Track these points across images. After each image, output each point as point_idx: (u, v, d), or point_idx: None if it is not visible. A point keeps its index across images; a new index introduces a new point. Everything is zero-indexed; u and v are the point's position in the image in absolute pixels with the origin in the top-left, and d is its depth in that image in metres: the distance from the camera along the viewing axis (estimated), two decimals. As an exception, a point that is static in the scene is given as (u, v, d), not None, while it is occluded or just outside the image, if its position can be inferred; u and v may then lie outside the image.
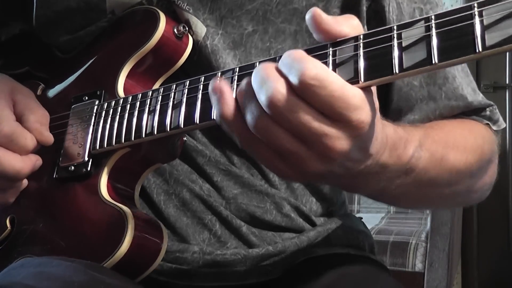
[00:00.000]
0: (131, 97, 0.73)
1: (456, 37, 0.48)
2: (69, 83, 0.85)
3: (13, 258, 0.74)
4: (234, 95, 0.54)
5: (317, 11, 0.53)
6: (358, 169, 0.56)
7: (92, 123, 0.76)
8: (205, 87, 0.65)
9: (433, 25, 0.50)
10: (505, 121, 3.21)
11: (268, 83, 0.50)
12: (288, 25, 0.77)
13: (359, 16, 0.75)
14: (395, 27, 0.52)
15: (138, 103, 0.72)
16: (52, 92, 0.87)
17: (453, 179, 0.72)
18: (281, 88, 0.50)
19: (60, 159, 0.78)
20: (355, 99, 0.50)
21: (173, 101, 0.67)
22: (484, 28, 0.47)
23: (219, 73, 0.64)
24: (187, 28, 0.78)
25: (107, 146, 0.73)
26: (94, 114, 0.76)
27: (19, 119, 0.78)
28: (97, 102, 0.77)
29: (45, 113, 0.80)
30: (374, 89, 0.54)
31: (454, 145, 0.71)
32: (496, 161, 0.81)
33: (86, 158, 0.75)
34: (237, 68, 0.62)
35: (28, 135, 0.76)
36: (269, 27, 0.77)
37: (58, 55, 0.89)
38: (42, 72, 0.90)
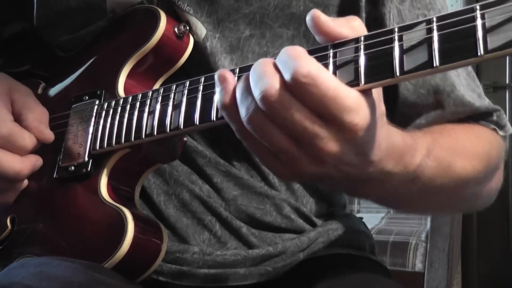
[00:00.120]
0: (131, 97, 0.73)
1: (457, 39, 0.48)
2: (70, 82, 0.85)
3: (13, 258, 0.74)
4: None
5: (316, 12, 0.52)
6: (358, 174, 0.55)
7: (92, 123, 0.76)
8: (205, 87, 0.65)
9: (435, 27, 0.49)
10: (505, 121, 3.17)
11: (264, 78, 0.50)
12: (286, 30, 0.77)
13: None
14: (396, 29, 0.51)
15: (138, 103, 0.71)
16: (52, 91, 0.87)
17: (460, 186, 0.71)
18: (275, 84, 0.49)
19: (60, 159, 0.78)
20: (349, 100, 0.49)
21: (173, 102, 0.67)
22: (486, 31, 0.46)
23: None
24: (188, 28, 0.77)
25: (107, 146, 0.73)
26: (94, 114, 0.76)
27: (18, 118, 0.77)
28: (97, 102, 0.77)
29: (43, 110, 0.80)
30: (379, 94, 0.54)
31: (461, 152, 0.70)
32: (502, 167, 0.80)
33: (86, 159, 0.75)
34: (237, 69, 0.62)
35: (26, 134, 0.76)
36: (267, 32, 0.77)
37: (59, 54, 0.89)
38: (43, 70, 0.90)
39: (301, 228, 0.84)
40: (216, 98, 0.55)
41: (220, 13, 0.77)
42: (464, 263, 2.95)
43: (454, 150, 0.69)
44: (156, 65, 0.78)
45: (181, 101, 0.66)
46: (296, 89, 0.49)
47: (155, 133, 0.68)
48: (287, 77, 0.49)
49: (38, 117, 0.78)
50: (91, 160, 0.74)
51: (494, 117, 0.80)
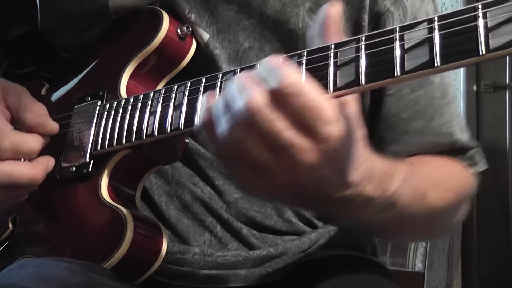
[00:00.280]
0: (132, 98, 0.73)
1: (459, 39, 0.47)
2: (73, 84, 0.85)
3: (14, 258, 0.74)
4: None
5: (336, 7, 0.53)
6: (336, 195, 0.56)
7: (94, 124, 0.76)
8: (206, 88, 0.65)
9: (436, 26, 0.49)
10: (505, 121, 3.20)
11: (246, 90, 0.50)
12: (283, 46, 0.77)
13: None
14: (397, 29, 0.51)
15: (139, 104, 0.71)
16: (56, 92, 0.87)
17: (430, 216, 0.72)
18: (257, 95, 0.49)
19: (62, 159, 0.78)
20: (327, 112, 0.49)
21: (174, 103, 0.67)
22: (488, 30, 0.46)
23: (220, 74, 0.64)
24: (190, 29, 0.77)
25: (108, 147, 0.73)
26: (96, 115, 0.76)
27: (17, 121, 0.77)
28: (99, 103, 0.77)
29: (40, 105, 0.78)
30: (358, 116, 0.54)
31: (435, 184, 0.72)
32: (468, 201, 0.81)
33: (88, 159, 0.75)
34: (238, 69, 0.62)
35: (29, 138, 0.75)
36: (265, 45, 0.77)
37: (62, 55, 0.89)
38: (47, 72, 0.90)
39: (301, 231, 0.84)
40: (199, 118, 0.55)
41: (220, 24, 0.78)
42: (464, 263, 2.95)
43: (429, 181, 0.70)
44: (158, 66, 0.78)
45: (182, 102, 0.66)
46: (280, 98, 0.49)
47: (156, 134, 0.68)
48: (272, 86, 0.49)
49: (37, 113, 0.77)
50: (92, 161, 0.75)
51: (468, 155, 0.81)
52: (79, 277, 0.61)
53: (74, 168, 0.76)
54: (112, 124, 0.73)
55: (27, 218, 0.79)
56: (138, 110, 0.71)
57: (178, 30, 0.77)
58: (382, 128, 0.78)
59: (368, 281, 0.80)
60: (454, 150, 0.80)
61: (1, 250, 0.78)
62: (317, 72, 0.54)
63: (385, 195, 0.61)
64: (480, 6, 0.47)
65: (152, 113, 0.69)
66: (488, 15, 0.47)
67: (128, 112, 0.72)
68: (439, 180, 0.73)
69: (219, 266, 0.78)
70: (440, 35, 0.48)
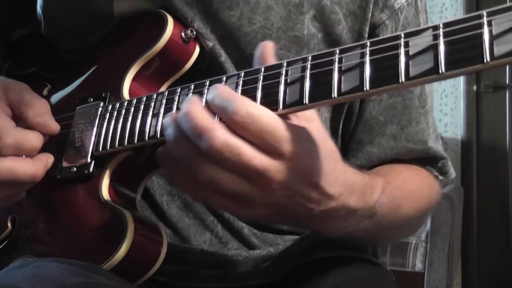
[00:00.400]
0: (135, 99, 0.73)
1: (464, 46, 0.48)
2: (75, 85, 0.85)
3: (12, 258, 0.74)
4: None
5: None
6: (319, 209, 0.58)
7: (96, 125, 0.76)
8: None
9: (441, 33, 0.49)
10: (505, 121, 3.20)
11: (206, 133, 0.53)
12: (287, 52, 0.77)
13: None
14: (402, 35, 0.51)
15: (142, 106, 0.71)
16: (58, 93, 0.87)
17: (403, 223, 0.76)
18: (218, 135, 0.52)
19: (63, 159, 0.77)
20: (284, 132, 0.53)
21: (177, 105, 0.67)
22: (493, 38, 0.46)
23: (224, 77, 0.64)
24: (194, 33, 0.78)
25: (110, 148, 0.73)
26: (98, 116, 0.76)
27: (19, 118, 0.77)
28: (101, 104, 0.77)
29: (42, 102, 0.78)
30: (321, 129, 0.58)
31: (409, 193, 0.75)
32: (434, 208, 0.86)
33: (89, 160, 0.74)
34: (242, 73, 0.62)
35: (31, 135, 0.74)
36: None
37: (66, 57, 0.89)
38: (49, 73, 0.90)
39: (302, 231, 0.84)
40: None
41: (222, 30, 0.78)
42: (464, 263, 2.95)
43: (404, 191, 0.73)
44: (162, 69, 0.78)
45: None
46: (238, 129, 0.53)
47: (159, 136, 0.68)
48: (228, 119, 0.53)
49: (39, 111, 0.76)
50: (93, 162, 0.74)
51: (439, 164, 0.85)
52: (77, 277, 0.61)
53: (75, 169, 0.76)
54: (114, 125, 0.73)
55: (26, 218, 0.79)
56: (141, 112, 0.71)
57: (182, 34, 0.77)
58: (361, 131, 0.81)
59: (368, 282, 0.80)
60: (426, 159, 0.84)
61: (0, 249, 0.78)
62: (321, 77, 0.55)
63: (368, 206, 0.64)
64: (485, 14, 0.47)
65: (155, 115, 0.69)
66: (493, 22, 0.47)
67: (131, 114, 0.72)
68: (412, 190, 0.77)
69: (219, 265, 0.78)
70: (445, 42, 0.49)
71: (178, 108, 0.67)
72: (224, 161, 0.53)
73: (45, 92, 0.87)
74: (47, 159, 0.75)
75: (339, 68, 0.53)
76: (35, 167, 0.74)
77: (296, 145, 0.53)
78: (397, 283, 0.87)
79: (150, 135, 0.68)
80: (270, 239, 0.82)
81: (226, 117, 0.53)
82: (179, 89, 0.69)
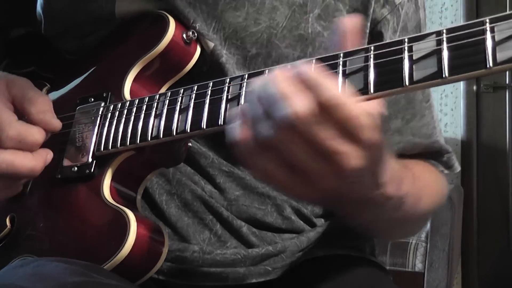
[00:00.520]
0: (137, 100, 0.73)
1: (467, 51, 0.49)
2: (75, 84, 0.85)
3: (11, 258, 0.74)
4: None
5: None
6: (366, 196, 0.58)
7: (97, 125, 0.76)
8: (213, 92, 0.66)
9: (445, 39, 0.50)
10: (505, 121, 3.20)
11: (290, 99, 0.50)
12: (292, 51, 0.78)
13: None
14: (406, 40, 0.52)
15: (144, 106, 0.72)
16: (57, 92, 0.87)
17: (421, 218, 0.77)
18: (303, 105, 0.49)
19: (63, 159, 0.78)
20: (368, 120, 0.50)
21: (180, 106, 0.67)
22: (496, 44, 0.47)
23: (228, 79, 0.65)
24: (196, 34, 0.78)
25: (111, 148, 0.73)
26: (99, 116, 0.76)
27: (21, 114, 0.77)
28: (102, 104, 0.77)
29: (45, 99, 0.79)
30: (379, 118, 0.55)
31: (426, 187, 0.75)
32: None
33: (90, 159, 0.75)
34: (246, 75, 0.62)
35: (34, 130, 0.75)
36: (273, 51, 0.78)
37: (65, 56, 0.89)
38: (48, 72, 0.90)
39: (301, 229, 0.85)
40: (234, 135, 0.54)
41: (227, 30, 0.78)
42: (464, 263, 2.95)
43: (422, 185, 0.73)
44: (163, 70, 0.78)
45: (188, 105, 0.67)
46: (324, 109, 0.50)
47: (161, 136, 0.68)
48: (317, 99, 0.49)
49: (41, 108, 0.77)
50: (94, 161, 0.74)
51: (444, 158, 0.85)
52: (78, 276, 0.61)
53: (75, 168, 0.76)
54: (116, 126, 0.73)
55: (26, 217, 0.79)
56: (144, 112, 0.71)
57: (184, 35, 0.77)
58: None
59: (366, 281, 0.81)
60: (431, 153, 0.84)
61: None
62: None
63: (399, 195, 0.63)
64: (487, 21, 0.48)
65: (158, 116, 0.69)
66: (495, 29, 0.48)
67: (133, 114, 0.72)
68: (428, 184, 0.77)
69: (218, 263, 0.78)
70: (448, 47, 0.49)
71: (181, 109, 0.67)
72: (300, 134, 0.50)
73: (44, 91, 0.87)
74: (47, 155, 0.76)
75: (343, 71, 0.54)
76: (35, 161, 0.74)
77: (376, 135, 0.51)
78: (397, 283, 0.87)
79: (153, 136, 0.69)
80: (268, 237, 0.82)
81: (313, 96, 0.50)
82: (182, 90, 0.69)
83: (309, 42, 0.78)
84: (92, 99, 0.79)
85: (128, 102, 0.74)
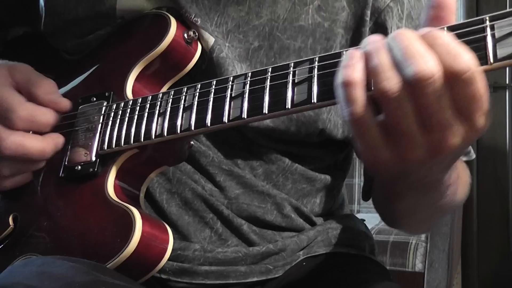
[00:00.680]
0: (140, 99, 0.73)
1: (468, 49, 0.49)
2: (77, 84, 0.85)
3: (15, 257, 0.74)
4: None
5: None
6: (432, 178, 0.58)
7: (100, 124, 0.76)
8: (217, 91, 0.66)
9: None
10: (505, 121, 3.20)
11: (419, 58, 0.47)
12: (293, 42, 0.79)
13: (361, 37, 0.77)
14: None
15: (148, 105, 0.72)
16: None
17: (450, 208, 0.76)
18: (434, 67, 0.47)
19: (67, 158, 0.78)
20: (487, 105, 0.49)
21: (184, 104, 0.68)
22: (496, 41, 0.49)
23: (231, 77, 0.65)
24: (197, 34, 0.78)
25: (115, 146, 0.73)
26: (102, 115, 0.77)
27: (28, 97, 0.77)
28: (105, 103, 0.77)
29: (49, 81, 0.80)
30: None
31: (461, 177, 0.74)
32: None
33: (94, 158, 0.75)
34: (250, 73, 0.63)
35: (45, 110, 0.76)
36: (275, 43, 0.79)
37: (64, 56, 0.90)
38: (47, 72, 0.90)
39: (301, 227, 0.85)
40: (340, 75, 0.51)
41: (229, 24, 0.79)
42: (464, 263, 2.95)
43: (458, 175, 0.72)
44: (164, 69, 0.79)
45: (192, 103, 0.67)
46: (456, 80, 0.48)
47: (166, 134, 0.68)
48: (452, 68, 0.47)
49: (47, 89, 0.78)
50: (98, 160, 0.75)
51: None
52: (83, 275, 0.61)
53: (79, 167, 0.76)
54: (119, 124, 0.74)
55: (29, 216, 0.79)
56: (147, 111, 0.72)
57: (185, 35, 0.77)
58: None
59: (366, 279, 0.81)
60: None
61: (1, 248, 0.78)
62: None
63: (448, 183, 0.64)
64: (487, 18, 0.50)
65: (162, 114, 0.70)
66: (495, 26, 0.49)
67: (136, 113, 0.73)
68: (461, 175, 0.75)
69: (219, 262, 0.78)
70: None
71: (185, 107, 0.67)
72: (420, 95, 0.48)
73: None
74: (57, 138, 0.77)
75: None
76: (45, 143, 0.75)
77: (486, 121, 0.50)
78: (397, 283, 0.87)
79: (157, 134, 0.69)
80: (269, 235, 0.82)
81: (449, 63, 0.47)
82: (185, 88, 0.69)
83: (310, 33, 0.79)
84: (95, 99, 0.79)
85: (131, 101, 0.75)
